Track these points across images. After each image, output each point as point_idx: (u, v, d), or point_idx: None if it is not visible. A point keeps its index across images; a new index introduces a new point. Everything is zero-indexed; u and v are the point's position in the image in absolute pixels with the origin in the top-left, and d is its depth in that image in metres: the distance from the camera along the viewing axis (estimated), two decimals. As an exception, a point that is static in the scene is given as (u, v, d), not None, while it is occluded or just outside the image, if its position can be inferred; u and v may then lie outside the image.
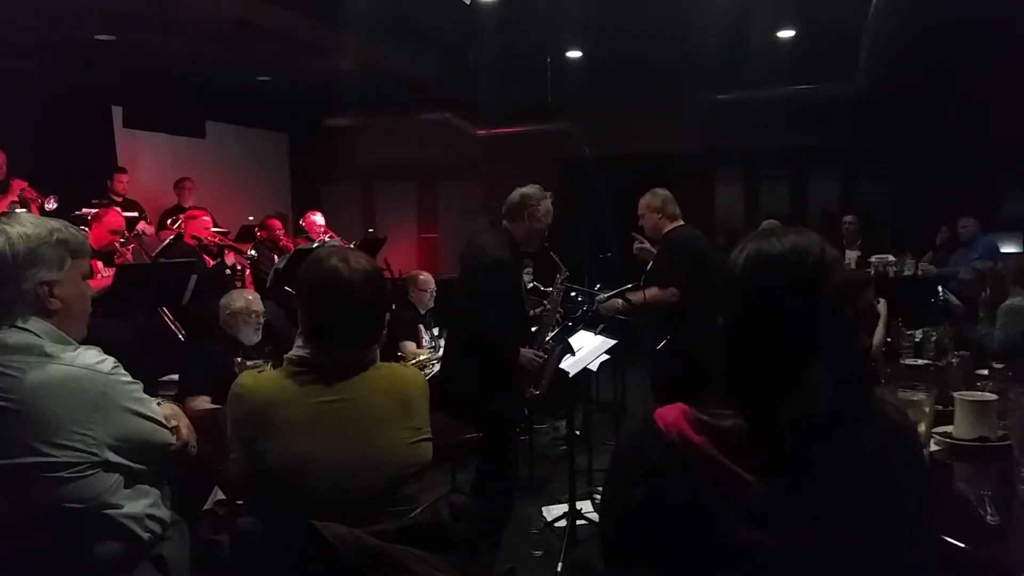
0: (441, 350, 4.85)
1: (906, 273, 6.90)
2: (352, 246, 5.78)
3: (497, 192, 3.74)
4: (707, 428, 1.15)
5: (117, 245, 5.41)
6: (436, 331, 5.37)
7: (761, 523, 1.10)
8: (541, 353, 3.63)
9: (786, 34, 7.40)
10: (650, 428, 1.19)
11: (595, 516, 3.96)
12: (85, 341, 1.93)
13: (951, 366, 3.30)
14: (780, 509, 1.10)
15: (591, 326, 4.38)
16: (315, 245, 6.16)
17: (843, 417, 1.13)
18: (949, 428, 2.34)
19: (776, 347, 1.16)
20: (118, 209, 5.98)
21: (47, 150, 6.73)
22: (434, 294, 5.45)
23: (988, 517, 1.75)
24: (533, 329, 3.89)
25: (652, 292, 4.26)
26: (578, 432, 4.49)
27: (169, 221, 7.13)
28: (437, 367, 4.64)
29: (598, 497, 4.33)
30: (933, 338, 3.85)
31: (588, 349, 3.88)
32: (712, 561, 1.13)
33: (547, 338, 3.86)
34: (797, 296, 1.17)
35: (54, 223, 1.91)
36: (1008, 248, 7.55)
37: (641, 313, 4.39)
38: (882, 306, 3.98)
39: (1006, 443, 2.04)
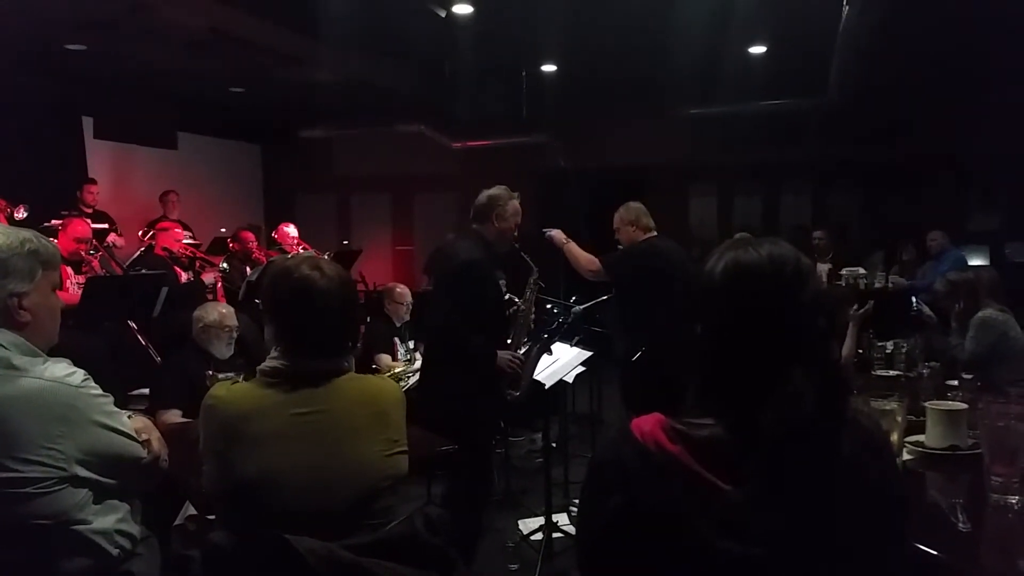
0: (416, 363, 4.84)
1: (876, 285, 6.99)
2: (327, 257, 5.76)
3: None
4: (683, 437, 1.15)
5: (83, 254, 5.35)
6: (411, 344, 5.34)
7: (738, 532, 1.10)
8: (519, 355, 3.63)
9: (758, 50, 7.49)
10: (626, 438, 1.19)
11: (571, 529, 3.95)
12: (55, 353, 1.90)
13: (922, 377, 3.34)
14: (757, 518, 1.10)
15: (567, 338, 4.39)
16: (289, 257, 6.12)
17: (821, 425, 1.14)
18: (921, 437, 2.37)
19: (755, 355, 1.17)
20: (86, 219, 5.91)
21: (16, 160, 6.64)
22: (410, 307, 5.42)
23: (960, 525, 1.77)
24: (510, 337, 3.88)
25: (578, 248, 4.54)
26: (554, 444, 4.49)
27: (140, 233, 7.05)
28: (413, 379, 4.61)
29: (574, 510, 4.32)
30: (904, 349, 3.90)
31: (564, 361, 3.88)
32: (688, 571, 1.13)
33: (523, 340, 3.85)
34: (776, 304, 1.18)
35: (25, 233, 1.88)
36: (975, 261, 7.67)
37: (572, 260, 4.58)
38: (867, 308, 4.04)
39: (977, 452, 2.06)
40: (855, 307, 4.12)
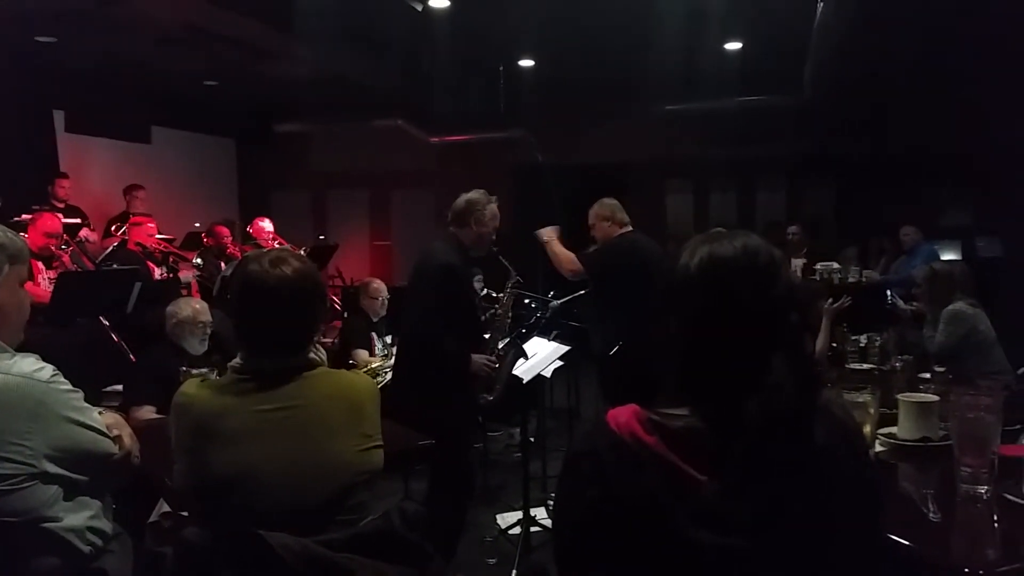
0: (393, 358, 4.82)
1: (850, 280, 7.06)
2: (303, 252, 5.73)
3: (450, 200, 3.75)
4: (659, 428, 1.16)
5: (54, 249, 5.27)
6: (389, 339, 5.32)
7: (714, 522, 1.11)
8: (493, 359, 3.63)
9: (733, 46, 7.53)
10: (602, 429, 1.19)
11: (549, 523, 3.96)
12: (24, 349, 1.87)
13: (895, 370, 3.37)
14: (733, 508, 1.11)
15: (544, 333, 4.40)
16: (254, 253, 6.07)
17: (798, 415, 1.16)
18: (893, 429, 2.40)
19: (731, 346, 1.18)
20: (57, 214, 5.82)
21: (-15, 154, 6.53)
22: (386, 302, 5.40)
23: (931, 515, 1.80)
24: (486, 336, 3.89)
25: (560, 247, 4.50)
26: (532, 439, 4.50)
27: (113, 228, 6.96)
28: (390, 375, 4.60)
29: (552, 504, 4.33)
30: (877, 343, 3.94)
31: (542, 355, 3.89)
32: (665, 561, 1.13)
33: (499, 343, 3.86)
34: (751, 295, 1.19)
35: (-9, 228, 1.86)
36: (947, 256, 7.78)
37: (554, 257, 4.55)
38: (842, 303, 4.09)
39: (947, 443, 2.09)
40: (829, 301, 4.16)
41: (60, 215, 5.89)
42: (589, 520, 1.18)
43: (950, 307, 4.07)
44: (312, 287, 1.87)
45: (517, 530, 3.89)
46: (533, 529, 3.83)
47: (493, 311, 3.80)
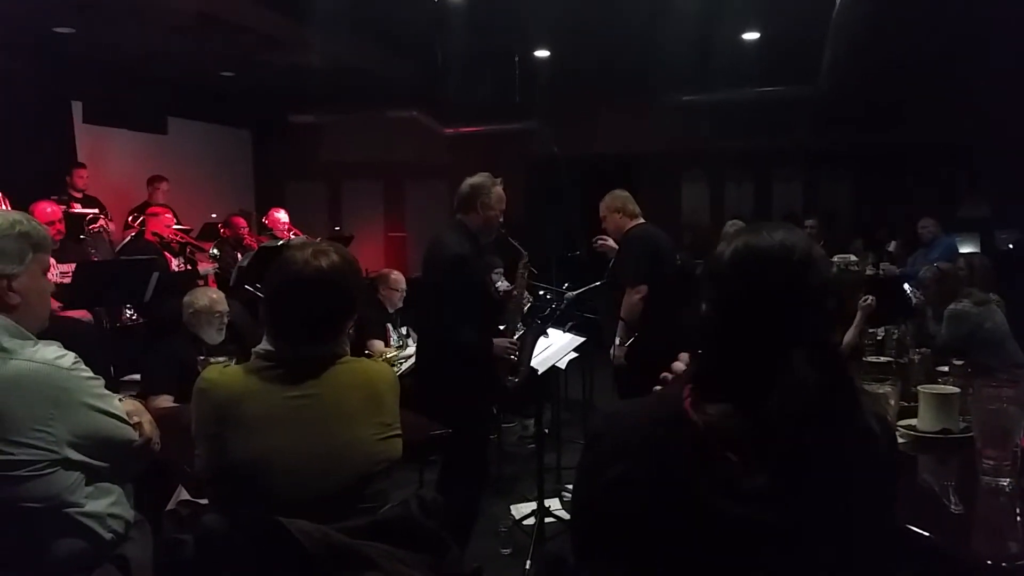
0: (408, 348, 4.83)
1: (868, 273, 7.01)
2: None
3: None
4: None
5: (55, 236, 5.22)
6: (404, 330, 5.33)
7: (735, 495, 1.11)
8: (515, 341, 3.61)
9: (751, 36, 7.47)
10: (626, 409, 1.21)
11: (564, 514, 3.97)
12: (45, 337, 1.88)
13: (913, 363, 3.35)
14: (758, 483, 1.12)
15: (559, 324, 4.39)
16: (279, 243, 6.10)
17: (821, 411, 1.15)
18: (913, 421, 2.38)
19: (758, 338, 1.17)
20: (50, 200, 5.74)
21: (5, 145, 6.58)
22: (404, 293, 5.41)
23: (952, 507, 1.79)
24: (501, 328, 3.88)
25: (626, 302, 4.32)
26: (546, 430, 4.50)
27: (130, 218, 7.00)
28: (405, 365, 4.61)
29: (567, 495, 4.34)
30: (895, 336, 3.91)
31: (556, 347, 3.88)
32: (683, 539, 1.14)
33: (517, 325, 3.83)
34: (781, 290, 1.18)
35: (16, 216, 1.88)
36: (966, 248, 7.70)
37: (633, 320, 4.37)
38: (869, 303, 4.04)
39: (968, 435, 2.08)
40: (864, 297, 4.08)
41: (53, 200, 5.82)
42: (609, 496, 1.18)
43: (952, 307, 4.04)
44: (349, 276, 1.88)
45: (532, 521, 3.90)
46: (547, 520, 3.84)
47: (508, 290, 3.75)
